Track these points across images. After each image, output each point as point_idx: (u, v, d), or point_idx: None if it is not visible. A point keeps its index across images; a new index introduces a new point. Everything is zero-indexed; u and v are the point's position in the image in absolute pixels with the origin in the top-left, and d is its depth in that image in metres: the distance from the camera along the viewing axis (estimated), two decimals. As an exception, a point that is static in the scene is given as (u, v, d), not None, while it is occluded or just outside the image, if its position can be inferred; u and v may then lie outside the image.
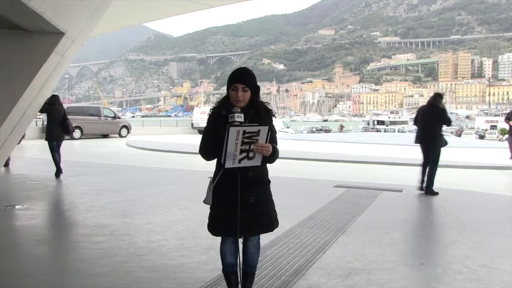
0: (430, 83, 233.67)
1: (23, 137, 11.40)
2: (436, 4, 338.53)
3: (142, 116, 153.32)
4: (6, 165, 10.90)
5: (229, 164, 2.97)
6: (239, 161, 2.98)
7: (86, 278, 4.04)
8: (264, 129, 2.95)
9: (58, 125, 9.90)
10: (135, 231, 5.64)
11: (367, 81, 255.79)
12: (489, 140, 37.25)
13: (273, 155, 3.08)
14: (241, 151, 2.95)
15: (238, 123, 2.94)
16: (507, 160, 13.71)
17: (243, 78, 3.09)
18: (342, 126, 60.03)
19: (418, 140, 8.55)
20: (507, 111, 21.15)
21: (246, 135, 2.90)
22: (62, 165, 10.08)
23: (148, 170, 11.94)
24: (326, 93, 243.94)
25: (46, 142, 10.02)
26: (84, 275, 4.12)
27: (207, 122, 3.18)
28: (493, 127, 57.48)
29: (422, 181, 8.36)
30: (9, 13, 6.01)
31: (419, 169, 8.58)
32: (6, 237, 5.61)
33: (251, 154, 2.99)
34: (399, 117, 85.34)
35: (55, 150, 10.00)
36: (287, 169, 11.43)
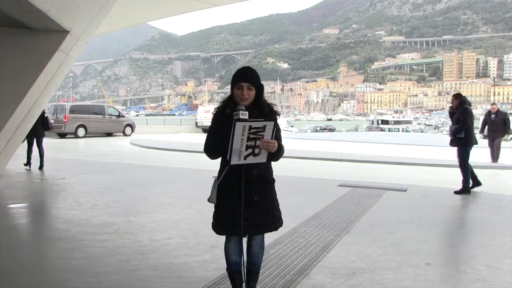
0: (434, 82, 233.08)
1: (43, 136, 11.72)
2: (441, 3, 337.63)
3: (146, 115, 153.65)
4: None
5: (234, 161, 2.96)
6: (245, 157, 2.97)
7: (90, 276, 4.04)
8: (270, 125, 2.94)
9: (38, 123, 10.67)
10: (139, 229, 5.65)
11: (371, 80, 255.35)
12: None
13: (279, 152, 3.07)
14: (247, 147, 2.94)
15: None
16: (507, 161, 13.59)
17: (247, 76, 3.10)
18: (357, 126, 61.26)
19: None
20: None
21: (252, 130, 2.89)
22: (67, 163, 10.22)
23: (152, 168, 11.96)
24: (330, 92, 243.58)
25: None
26: (88, 273, 4.12)
27: (212, 121, 3.19)
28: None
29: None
30: (14, 12, 6.03)
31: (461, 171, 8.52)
32: (9, 236, 5.62)
33: (256, 151, 2.98)
34: (403, 117, 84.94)
35: (32, 145, 11.22)
36: (291, 168, 11.42)
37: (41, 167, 11.12)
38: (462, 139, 8.28)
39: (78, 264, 4.38)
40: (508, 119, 13.86)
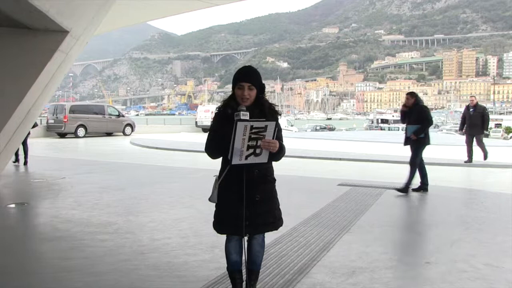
0: (434, 81, 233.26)
1: (28, 134, 11.76)
2: (440, 2, 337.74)
3: (146, 115, 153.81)
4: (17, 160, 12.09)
5: (236, 161, 2.96)
6: (246, 157, 2.97)
7: (90, 276, 4.05)
8: (271, 125, 2.94)
9: None
10: (139, 229, 5.65)
11: (371, 79, 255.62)
12: (494, 139, 37.04)
13: (280, 152, 3.07)
14: (248, 147, 2.94)
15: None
16: (499, 159, 13.44)
17: (249, 76, 3.09)
18: (366, 125, 63.21)
19: None
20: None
21: (253, 130, 2.89)
22: (67, 163, 10.28)
23: (152, 168, 11.96)
24: (330, 92, 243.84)
25: None
26: (88, 273, 4.12)
27: (213, 120, 3.19)
28: (498, 125, 57.05)
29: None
30: (13, 11, 6.03)
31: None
32: (10, 235, 5.62)
33: (258, 151, 2.98)
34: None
35: (24, 143, 11.59)
36: (291, 167, 11.42)
37: (25, 163, 11.76)
38: (422, 138, 8.12)
39: (78, 264, 4.38)
40: (487, 113, 13.23)
